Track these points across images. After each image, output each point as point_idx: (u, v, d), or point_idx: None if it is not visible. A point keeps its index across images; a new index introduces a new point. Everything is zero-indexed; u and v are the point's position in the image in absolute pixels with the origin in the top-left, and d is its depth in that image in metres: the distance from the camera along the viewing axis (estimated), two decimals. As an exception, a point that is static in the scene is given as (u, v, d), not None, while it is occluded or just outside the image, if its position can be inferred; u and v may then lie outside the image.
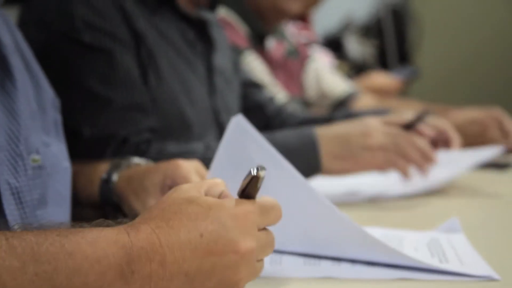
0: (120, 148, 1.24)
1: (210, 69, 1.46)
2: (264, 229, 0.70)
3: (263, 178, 0.68)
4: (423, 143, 1.28)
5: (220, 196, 0.70)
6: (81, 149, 1.21)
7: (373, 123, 1.29)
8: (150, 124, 1.29)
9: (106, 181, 1.07)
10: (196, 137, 1.35)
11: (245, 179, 0.68)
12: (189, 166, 1.01)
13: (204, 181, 0.71)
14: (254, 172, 0.67)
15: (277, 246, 0.74)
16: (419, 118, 1.32)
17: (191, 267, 0.64)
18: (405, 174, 1.27)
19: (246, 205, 0.68)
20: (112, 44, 1.27)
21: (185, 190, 0.69)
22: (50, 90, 0.99)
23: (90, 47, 1.26)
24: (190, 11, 1.44)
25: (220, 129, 1.42)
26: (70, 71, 1.26)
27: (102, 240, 0.62)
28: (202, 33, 1.46)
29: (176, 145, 1.27)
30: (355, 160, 1.27)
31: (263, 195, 0.70)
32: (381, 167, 1.28)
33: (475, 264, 0.85)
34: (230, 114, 1.42)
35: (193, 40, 1.43)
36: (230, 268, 0.65)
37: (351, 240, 0.86)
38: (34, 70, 0.96)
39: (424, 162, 1.27)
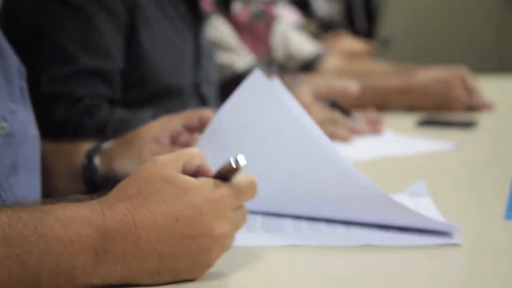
0: (71, 106, 1.26)
1: (198, 42, 1.48)
2: (239, 207, 0.71)
3: (242, 169, 0.68)
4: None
5: (197, 169, 0.70)
6: (35, 103, 1.21)
7: (308, 100, 1.40)
8: (111, 96, 1.30)
9: (92, 153, 1.07)
10: (179, 106, 1.36)
11: (224, 166, 0.68)
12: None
13: (181, 154, 0.71)
14: (233, 165, 0.67)
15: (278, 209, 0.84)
16: (343, 109, 1.47)
17: (165, 248, 0.65)
18: (345, 140, 1.37)
19: (222, 189, 0.68)
20: (95, 9, 1.29)
21: (162, 164, 0.68)
22: (15, 58, 0.98)
23: (71, 6, 1.29)
24: None
25: (201, 99, 1.46)
26: (46, 25, 1.28)
27: (76, 221, 0.63)
28: (192, 7, 1.48)
29: (123, 111, 1.29)
30: None
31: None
32: None
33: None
34: (211, 86, 1.50)
35: (184, 13, 1.46)
36: (203, 250, 0.67)
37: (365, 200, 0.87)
38: None
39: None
